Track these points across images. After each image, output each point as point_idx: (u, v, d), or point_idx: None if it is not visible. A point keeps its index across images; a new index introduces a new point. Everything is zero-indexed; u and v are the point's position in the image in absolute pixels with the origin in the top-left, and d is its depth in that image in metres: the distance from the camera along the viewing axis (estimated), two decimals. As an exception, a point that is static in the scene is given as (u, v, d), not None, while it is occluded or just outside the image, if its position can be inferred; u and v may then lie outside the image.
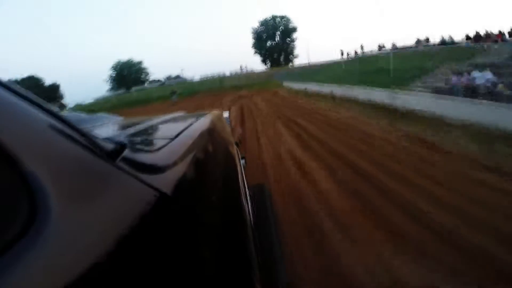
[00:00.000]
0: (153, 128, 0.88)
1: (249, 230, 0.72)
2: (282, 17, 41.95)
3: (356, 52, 23.36)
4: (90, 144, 0.31)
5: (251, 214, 0.94)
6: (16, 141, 0.22)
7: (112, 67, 41.11)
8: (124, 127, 0.93)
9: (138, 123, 0.90)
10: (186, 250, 0.37)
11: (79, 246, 0.22)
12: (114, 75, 40.92)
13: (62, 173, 0.25)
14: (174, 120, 1.09)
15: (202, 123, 0.93)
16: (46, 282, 0.18)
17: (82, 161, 0.28)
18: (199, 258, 0.39)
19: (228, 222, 0.61)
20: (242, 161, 1.73)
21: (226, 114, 2.17)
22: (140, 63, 42.29)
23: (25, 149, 0.22)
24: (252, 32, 43.36)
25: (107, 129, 0.88)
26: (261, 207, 1.55)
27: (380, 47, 22.10)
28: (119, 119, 1.28)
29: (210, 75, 35.91)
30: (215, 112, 1.43)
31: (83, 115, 1.30)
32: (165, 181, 0.40)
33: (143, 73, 42.66)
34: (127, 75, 39.94)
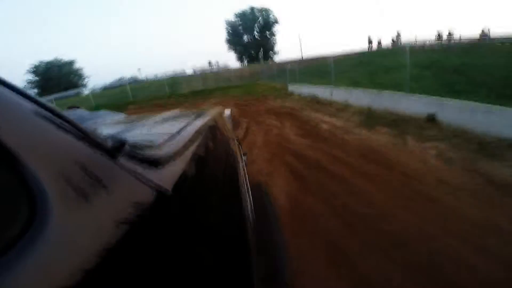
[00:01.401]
0: (154, 125, 0.88)
1: (250, 226, 0.72)
2: (261, 9, 34.23)
3: (393, 41, 17.52)
4: (91, 141, 0.31)
5: (252, 210, 0.94)
6: (16, 140, 0.22)
7: (31, 69, 28.64)
8: (125, 124, 0.93)
9: (139, 120, 0.90)
10: (187, 245, 0.37)
11: (79, 244, 0.22)
12: (35, 79, 29.02)
13: (63, 171, 0.24)
14: (175, 117, 1.08)
15: (204, 120, 0.93)
16: (46, 281, 0.18)
17: (83, 159, 0.28)
18: (199, 254, 0.40)
19: (228, 218, 0.61)
20: (244, 158, 1.74)
21: (227, 112, 2.17)
22: (71, 63, 30.73)
23: (25, 148, 0.22)
24: (226, 26, 34.55)
25: (108, 126, 0.89)
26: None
27: (440, 36, 15.23)
28: (121, 117, 1.28)
29: (161, 75, 24.25)
30: (216, 109, 1.43)
31: (85, 112, 1.31)
32: (166, 178, 0.41)
33: (76, 76, 31.39)
34: (54, 78, 28.48)
